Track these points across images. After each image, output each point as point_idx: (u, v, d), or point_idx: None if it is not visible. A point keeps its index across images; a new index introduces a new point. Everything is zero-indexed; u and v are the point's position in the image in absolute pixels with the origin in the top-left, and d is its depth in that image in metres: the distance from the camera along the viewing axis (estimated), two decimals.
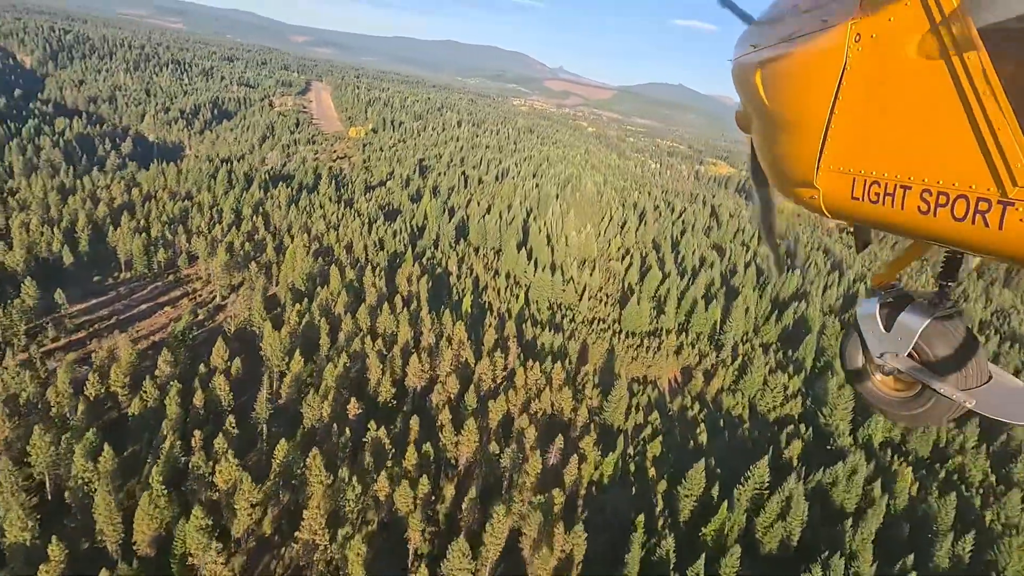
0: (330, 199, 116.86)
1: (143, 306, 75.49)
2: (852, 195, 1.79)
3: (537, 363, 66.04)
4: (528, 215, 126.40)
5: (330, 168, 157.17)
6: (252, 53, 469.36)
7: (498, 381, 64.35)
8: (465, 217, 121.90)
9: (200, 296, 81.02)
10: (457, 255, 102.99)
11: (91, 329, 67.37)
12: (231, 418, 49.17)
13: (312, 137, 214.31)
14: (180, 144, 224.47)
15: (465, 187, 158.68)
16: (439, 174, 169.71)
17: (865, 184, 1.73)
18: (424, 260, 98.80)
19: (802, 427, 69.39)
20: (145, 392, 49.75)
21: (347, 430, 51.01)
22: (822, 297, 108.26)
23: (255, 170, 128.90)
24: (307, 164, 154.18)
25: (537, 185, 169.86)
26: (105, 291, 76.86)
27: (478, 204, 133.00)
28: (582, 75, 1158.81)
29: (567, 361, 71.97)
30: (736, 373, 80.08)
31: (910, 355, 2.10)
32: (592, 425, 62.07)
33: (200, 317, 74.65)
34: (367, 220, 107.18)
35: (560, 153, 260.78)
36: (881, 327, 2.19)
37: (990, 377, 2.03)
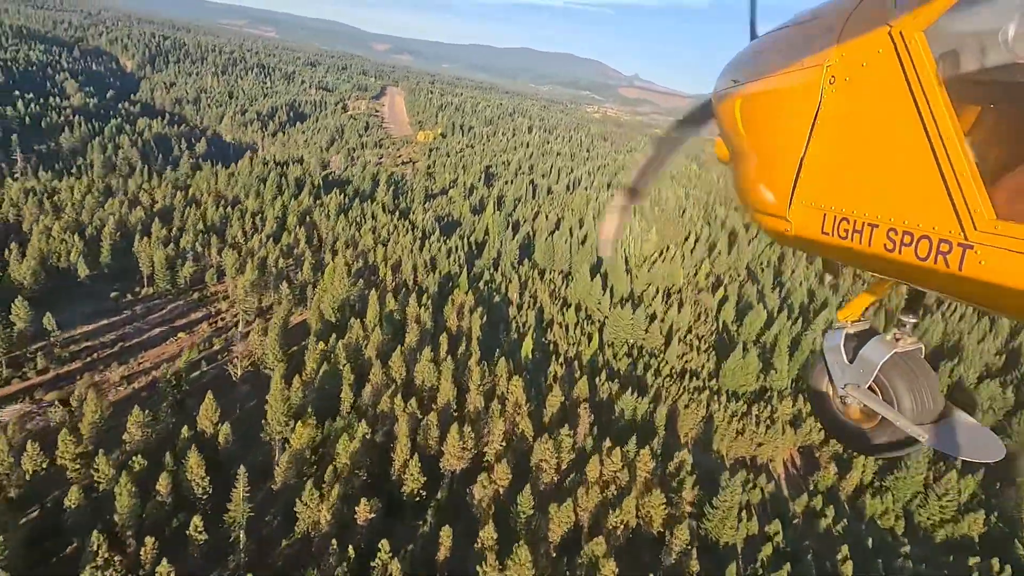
0: (384, 209, 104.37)
1: (156, 330, 64.51)
2: (822, 230, 1.83)
3: (617, 446, 48.55)
4: None
5: (391, 174, 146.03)
6: (334, 59, 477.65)
7: (563, 468, 47.50)
8: (531, 233, 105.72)
9: (223, 320, 69.51)
10: (519, 278, 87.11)
11: (87, 359, 56.55)
12: (197, 519, 35.32)
13: (379, 141, 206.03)
14: (254, 145, 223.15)
15: (533, 197, 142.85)
16: (506, 182, 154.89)
17: (835, 220, 1.78)
18: (481, 284, 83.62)
19: (992, 560, 48.05)
20: (97, 471, 37.02)
21: (350, 547, 35.98)
22: (978, 350, 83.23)
23: (308, 175, 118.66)
24: (368, 169, 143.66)
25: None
26: (119, 310, 66.67)
27: (546, 217, 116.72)
28: (657, 83, 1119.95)
29: (656, 440, 53.93)
30: (880, 463, 59.02)
31: (871, 387, 2.17)
32: (693, 543, 43.81)
33: (215, 347, 62.80)
34: (421, 234, 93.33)
35: (636, 162, 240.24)
36: (845, 359, 2.25)
37: (946, 414, 2.09)
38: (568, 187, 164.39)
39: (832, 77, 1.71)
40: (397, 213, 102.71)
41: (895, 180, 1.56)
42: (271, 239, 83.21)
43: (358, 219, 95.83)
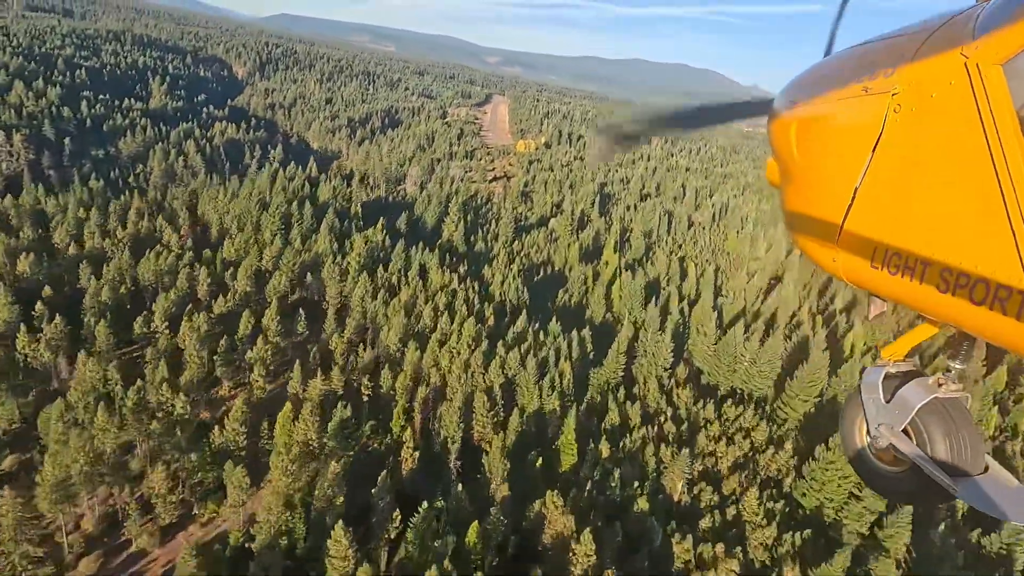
0: (444, 260, 64.69)
1: None
2: (872, 263, 1.72)
3: None
4: (813, 315, 60.64)
5: (475, 193, 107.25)
6: (443, 69, 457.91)
7: None
8: (684, 315, 60.16)
9: None
10: (679, 408, 42.87)
11: None
12: None
13: (472, 150, 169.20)
14: (339, 152, 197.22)
15: (668, 232, 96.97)
16: (627, 208, 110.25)
17: (886, 254, 1.66)
18: (599, 448, 40.38)
19: None
20: None
21: None
22: None
23: (342, 198, 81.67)
24: (446, 187, 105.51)
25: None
26: None
27: (700, 272, 71.31)
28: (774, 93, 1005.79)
29: None
30: None
31: (905, 431, 2.05)
32: None
33: None
34: (493, 316, 51.94)
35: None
36: (882, 397, 2.12)
37: (985, 468, 1.95)
38: (714, 217, 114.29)
39: (898, 105, 1.61)
40: (463, 267, 62.16)
41: (956, 218, 1.45)
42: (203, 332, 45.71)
43: (391, 281, 56.44)
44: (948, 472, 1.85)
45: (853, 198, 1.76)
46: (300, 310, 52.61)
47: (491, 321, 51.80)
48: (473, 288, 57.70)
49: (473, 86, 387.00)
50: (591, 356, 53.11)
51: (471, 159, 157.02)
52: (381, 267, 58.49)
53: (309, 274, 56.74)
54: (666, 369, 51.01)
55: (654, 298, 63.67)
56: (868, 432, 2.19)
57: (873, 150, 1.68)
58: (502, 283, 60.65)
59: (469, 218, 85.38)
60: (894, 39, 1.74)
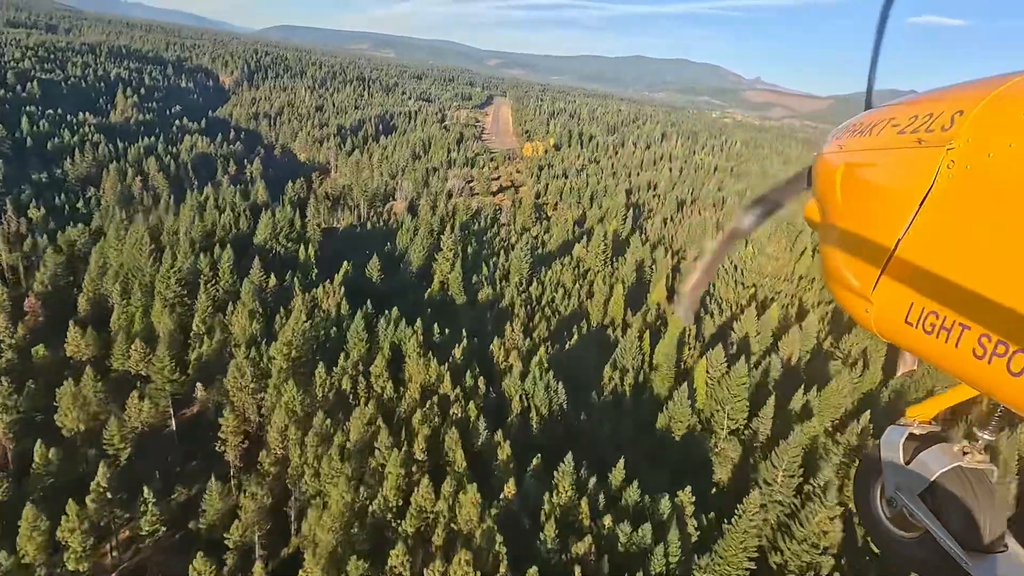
0: (423, 338, 41.92)
1: None
2: (906, 319, 1.63)
3: None
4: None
5: (477, 211, 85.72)
6: (442, 72, 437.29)
7: None
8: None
9: None
10: None
11: None
12: None
13: (474, 157, 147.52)
14: (326, 163, 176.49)
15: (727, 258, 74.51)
16: (665, 221, 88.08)
17: (922, 312, 1.57)
18: None
19: None
20: None
21: None
22: None
23: (293, 236, 60.11)
24: (440, 205, 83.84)
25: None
26: None
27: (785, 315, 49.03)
28: (781, 85, 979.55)
29: None
30: None
31: (923, 497, 1.94)
32: None
33: None
34: (516, 417, 29.78)
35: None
36: (901, 459, 2.04)
37: (1005, 548, 1.81)
38: (771, 236, 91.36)
39: (952, 162, 1.53)
40: (461, 343, 39.73)
41: (1001, 284, 1.36)
42: None
43: (339, 385, 34.14)
44: (964, 546, 1.75)
45: (894, 251, 1.68)
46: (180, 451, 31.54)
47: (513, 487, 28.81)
48: (477, 394, 35.68)
49: (473, 88, 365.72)
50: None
51: (472, 166, 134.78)
52: (321, 366, 36.06)
53: (200, 386, 34.80)
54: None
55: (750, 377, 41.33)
56: (883, 494, 2.10)
57: (920, 204, 1.61)
58: (523, 378, 38.41)
59: (470, 248, 63.95)
60: (955, 92, 1.67)
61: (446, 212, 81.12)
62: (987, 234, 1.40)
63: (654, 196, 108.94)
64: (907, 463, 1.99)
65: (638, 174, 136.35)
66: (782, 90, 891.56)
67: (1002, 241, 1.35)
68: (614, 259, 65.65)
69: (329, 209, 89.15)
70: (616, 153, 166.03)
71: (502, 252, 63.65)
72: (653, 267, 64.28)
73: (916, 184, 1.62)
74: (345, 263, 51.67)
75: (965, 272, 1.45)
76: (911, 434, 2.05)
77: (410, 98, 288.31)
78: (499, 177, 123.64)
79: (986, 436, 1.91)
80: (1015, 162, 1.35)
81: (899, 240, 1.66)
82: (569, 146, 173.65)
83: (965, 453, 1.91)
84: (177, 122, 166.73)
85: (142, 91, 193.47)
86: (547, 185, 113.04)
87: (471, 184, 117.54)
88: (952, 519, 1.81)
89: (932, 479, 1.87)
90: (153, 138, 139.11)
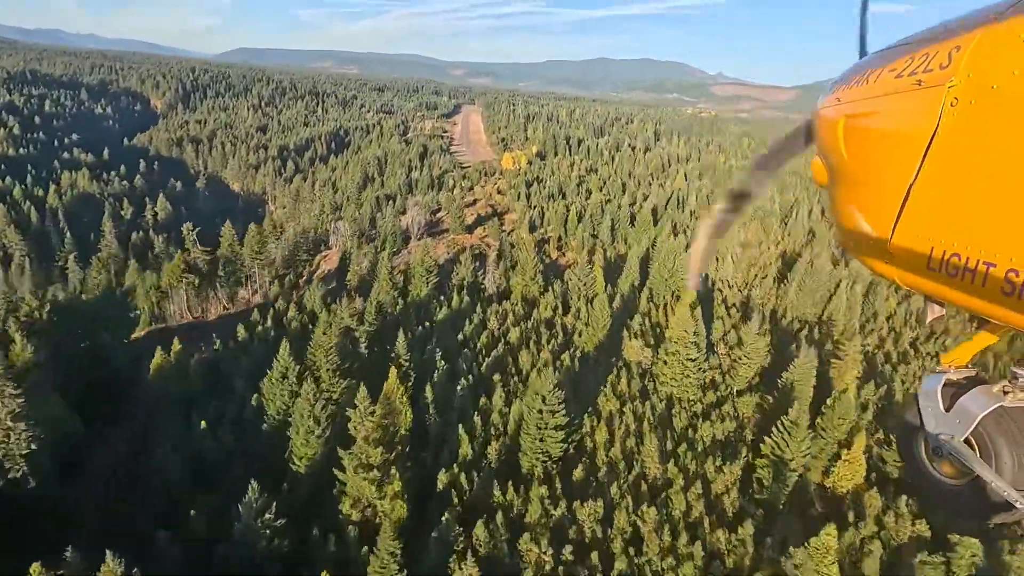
0: None
1: None
2: (928, 266, 1.58)
3: None
4: None
5: (445, 264, 52.88)
6: (406, 83, 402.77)
7: None
8: None
9: None
10: None
11: None
12: None
13: (441, 175, 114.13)
14: (262, 193, 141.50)
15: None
16: (721, 260, 55.99)
17: (944, 255, 1.52)
18: None
19: None
20: None
21: None
22: None
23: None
24: (384, 262, 49.92)
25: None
26: None
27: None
28: (742, 78, 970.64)
29: None
30: None
31: (967, 441, 1.87)
32: None
33: None
34: None
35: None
36: (941, 406, 1.95)
37: None
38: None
39: (955, 99, 1.47)
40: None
41: (1021, 215, 1.32)
42: None
43: None
44: (1016, 486, 1.70)
45: (907, 198, 1.62)
46: None
47: None
48: None
49: (439, 97, 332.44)
50: None
51: (439, 188, 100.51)
52: None
53: None
54: None
55: None
56: (927, 444, 2.03)
57: (928, 146, 1.54)
58: None
59: (433, 354, 31.11)
60: (950, 28, 1.60)
61: (397, 272, 48.06)
62: (1000, 166, 1.35)
63: (687, 215, 76.57)
64: (947, 410, 1.90)
65: (650, 183, 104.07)
66: (746, 83, 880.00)
67: (1015, 172, 1.31)
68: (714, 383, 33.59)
69: (202, 282, 54.93)
70: (613, 159, 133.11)
71: (498, 393, 30.35)
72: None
73: (921, 126, 1.55)
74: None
75: (983, 209, 1.41)
76: (948, 380, 1.96)
77: (369, 111, 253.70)
78: (475, 202, 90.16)
79: None
80: (1020, 91, 1.30)
81: (911, 186, 1.60)
82: (556, 154, 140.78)
83: (1006, 392, 1.82)
84: (67, 154, 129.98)
85: (36, 119, 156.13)
86: (542, 210, 79.99)
87: (438, 215, 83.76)
88: (1000, 460, 1.73)
89: (975, 423, 1.79)
90: (15, 179, 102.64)
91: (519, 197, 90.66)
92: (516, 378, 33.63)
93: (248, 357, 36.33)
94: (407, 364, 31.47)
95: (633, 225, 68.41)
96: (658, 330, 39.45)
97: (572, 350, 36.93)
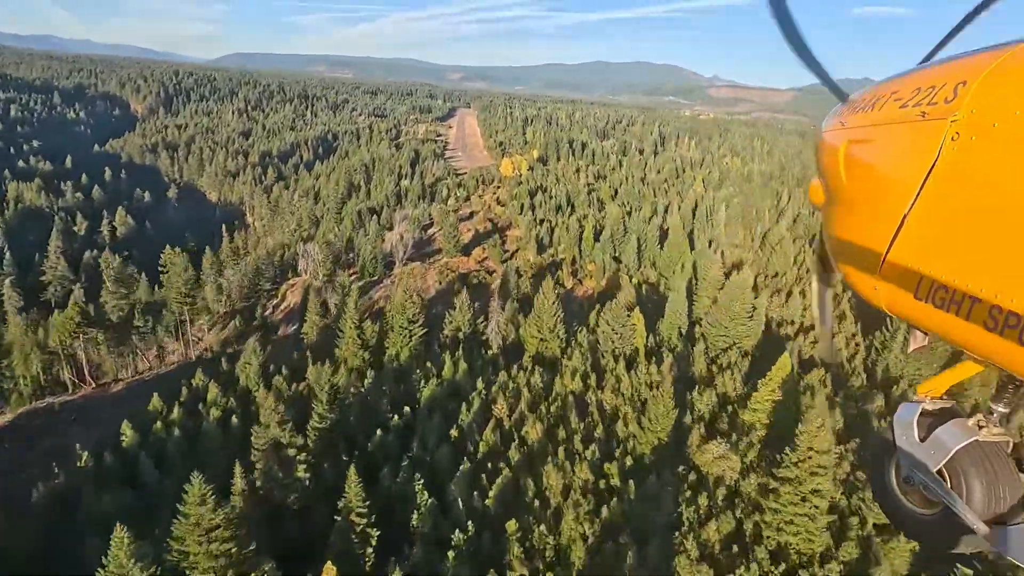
0: None
1: None
2: (916, 295, 1.58)
3: None
4: None
5: (435, 300, 40.26)
6: (400, 86, 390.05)
7: None
8: None
9: None
10: None
11: None
12: None
13: (434, 183, 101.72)
14: (239, 203, 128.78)
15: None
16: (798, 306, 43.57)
17: (932, 286, 1.53)
18: None
19: None
20: None
21: None
22: None
23: None
24: (351, 310, 36.92)
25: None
26: None
27: None
28: (738, 81, 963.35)
29: None
30: None
31: (940, 472, 1.87)
32: None
33: None
34: None
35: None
36: (916, 436, 1.95)
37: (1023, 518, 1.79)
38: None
39: (956, 133, 1.48)
40: None
41: (1011, 255, 1.32)
42: None
43: None
44: (985, 520, 1.71)
45: (900, 226, 1.62)
46: None
47: None
48: None
49: (434, 100, 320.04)
50: None
51: (432, 199, 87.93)
52: None
53: None
54: None
55: None
56: (899, 472, 2.03)
57: (926, 178, 1.55)
58: None
59: (412, 486, 19.10)
60: (957, 63, 1.60)
61: (363, 339, 35.18)
62: (994, 205, 1.36)
63: (734, 242, 64.38)
64: (922, 440, 1.90)
65: (666, 190, 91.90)
66: (741, 85, 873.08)
67: (1010, 212, 1.31)
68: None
69: (117, 337, 42.35)
70: (621, 163, 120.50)
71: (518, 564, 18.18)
72: None
73: (921, 158, 1.56)
74: None
75: (973, 245, 1.41)
76: (924, 410, 1.97)
77: (361, 114, 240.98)
78: (472, 215, 77.76)
79: (1001, 408, 1.85)
80: (1020, 131, 1.30)
81: (905, 215, 1.60)
82: (558, 158, 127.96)
83: (981, 427, 1.84)
84: (24, 163, 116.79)
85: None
86: (550, 226, 67.49)
87: (429, 231, 71.37)
88: (972, 494, 1.74)
89: (949, 455, 1.80)
90: None
91: (522, 209, 78.11)
92: (543, 530, 20.78)
93: (113, 496, 23.06)
94: (365, 515, 19.16)
95: (663, 246, 56.07)
96: (739, 420, 27.17)
97: (620, 458, 24.69)
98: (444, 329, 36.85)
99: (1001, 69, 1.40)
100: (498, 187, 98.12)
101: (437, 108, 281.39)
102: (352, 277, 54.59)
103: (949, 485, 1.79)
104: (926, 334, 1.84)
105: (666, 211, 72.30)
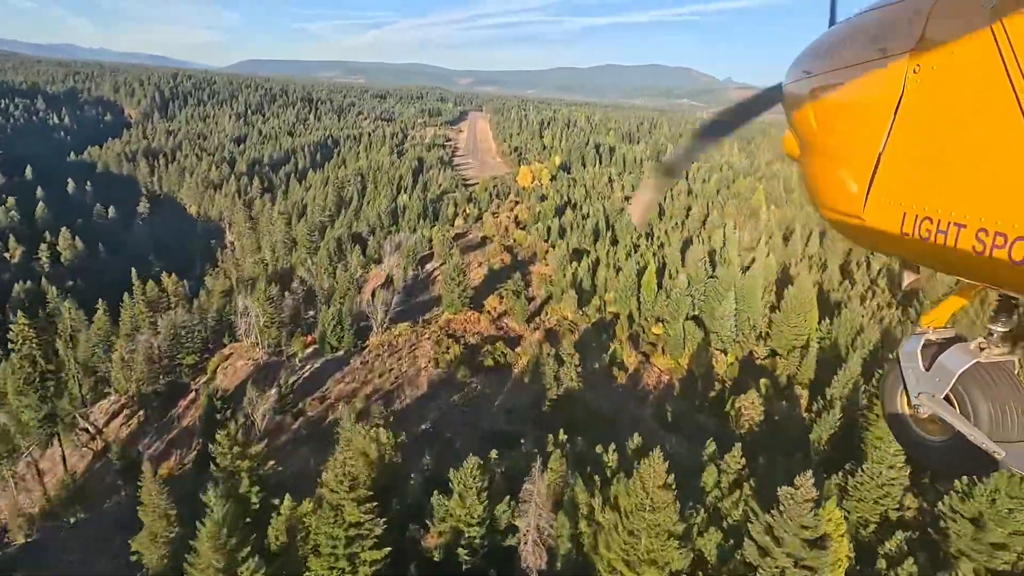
0: None
1: None
2: (902, 230, 1.60)
3: None
4: None
5: (426, 405, 21.67)
6: (410, 90, 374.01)
7: None
8: None
9: None
10: None
11: None
12: None
13: (439, 196, 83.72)
14: (220, 218, 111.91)
15: None
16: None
17: (916, 219, 1.54)
18: None
19: None
20: None
21: None
22: None
23: None
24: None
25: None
26: None
27: None
28: (752, 84, 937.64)
29: None
30: None
31: (948, 399, 1.89)
32: None
33: None
34: None
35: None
36: (921, 366, 1.97)
37: None
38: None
39: (917, 66, 1.48)
40: None
41: (988, 177, 1.33)
42: None
43: None
44: (995, 439, 1.71)
45: (877, 165, 1.62)
46: None
47: None
48: None
49: (445, 103, 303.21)
50: None
51: (433, 218, 69.60)
52: None
53: None
54: None
55: None
56: (909, 402, 2.03)
57: (894, 114, 1.54)
58: None
59: None
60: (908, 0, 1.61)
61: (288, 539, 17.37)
62: (964, 130, 1.36)
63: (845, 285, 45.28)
64: (927, 369, 1.91)
65: (722, 204, 73.01)
66: (756, 87, 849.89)
67: (980, 134, 1.32)
68: None
69: None
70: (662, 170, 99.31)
71: None
72: None
73: (887, 94, 1.55)
74: None
75: (950, 172, 1.42)
76: (927, 340, 1.97)
77: (366, 118, 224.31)
78: (484, 240, 59.38)
79: (999, 328, 1.83)
80: (979, 54, 1.30)
81: (880, 153, 1.60)
82: (583, 164, 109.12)
83: (983, 348, 1.84)
84: None
85: None
86: (591, 262, 48.85)
87: (428, 266, 53.24)
88: (979, 415, 1.75)
89: (954, 379, 1.80)
90: None
91: (549, 234, 59.49)
92: None
93: None
94: None
95: (778, 309, 36.54)
96: None
97: None
98: (432, 527, 18.58)
99: None
100: (516, 202, 79.35)
101: (447, 112, 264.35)
102: (308, 351, 36.39)
103: (957, 410, 1.79)
104: (917, 269, 1.87)
105: (751, 246, 53.17)
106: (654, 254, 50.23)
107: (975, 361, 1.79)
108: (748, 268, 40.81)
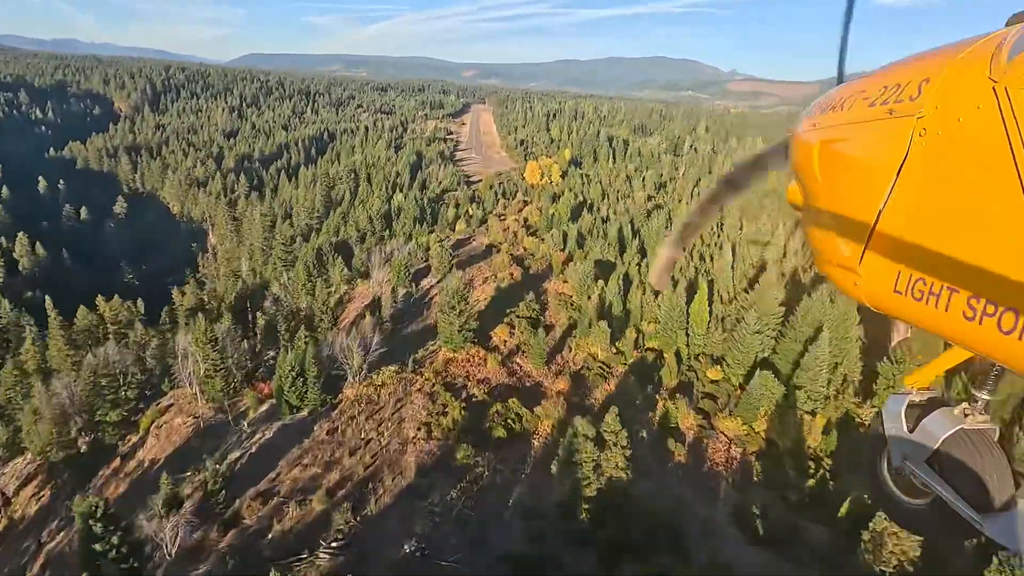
0: None
1: None
2: (895, 288, 1.59)
3: None
4: None
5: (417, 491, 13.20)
6: (412, 82, 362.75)
7: None
8: None
9: None
10: None
11: None
12: None
13: (438, 196, 74.50)
14: (203, 220, 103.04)
15: None
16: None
17: (910, 279, 1.54)
18: None
19: None
20: None
21: None
22: None
23: None
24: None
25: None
26: None
27: None
28: (757, 75, 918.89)
29: None
30: None
31: (929, 463, 1.88)
32: None
33: None
34: None
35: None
36: (904, 427, 1.96)
37: (1013, 503, 1.77)
38: None
39: (923, 129, 1.49)
40: None
41: (984, 245, 1.34)
42: None
43: None
44: (975, 507, 1.72)
45: (876, 222, 1.63)
46: None
47: None
48: None
49: (447, 96, 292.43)
50: None
51: (432, 221, 60.29)
52: None
53: None
54: None
55: None
56: (890, 463, 2.03)
57: (897, 174, 1.56)
58: None
59: None
60: (921, 60, 1.63)
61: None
62: (964, 198, 1.38)
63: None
64: (910, 431, 1.92)
65: (761, 209, 62.95)
66: (765, 79, 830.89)
67: (979, 203, 1.34)
68: None
69: None
70: (677, 168, 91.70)
71: None
72: None
73: (891, 155, 1.57)
74: None
75: (947, 237, 1.43)
76: (911, 402, 1.98)
77: (365, 111, 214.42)
78: (489, 249, 50.21)
79: (984, 396, 1.85)
80: (983, 124, 1.32)
81: (880, 212, 1.61)
82: (595, 159, 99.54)
83: (966, 415, 1.86)
84: None
85: None
86: (621, 281, 39.50)
87: (423, 282, 43.97)
88: (961, 481, 1.76)
89: (937, 444, 1.82)
90: None
91: (564, 241, 50.14)
92: None
93: None
94: None
95: (886, 356, 27.15)
96: None
97: None
98: None
99: (962, 65, 1.43)
100: (525, 202, 70.02)
101: (450, 104, 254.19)
102: (263, 408, 27.44)
103: (939, 474, 1.80)
104: (908, 327, 1.98)
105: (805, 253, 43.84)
106: (697, 270, 40.92)
107: (959, 427, 1.81)
108: (833, 297, 31.69)
